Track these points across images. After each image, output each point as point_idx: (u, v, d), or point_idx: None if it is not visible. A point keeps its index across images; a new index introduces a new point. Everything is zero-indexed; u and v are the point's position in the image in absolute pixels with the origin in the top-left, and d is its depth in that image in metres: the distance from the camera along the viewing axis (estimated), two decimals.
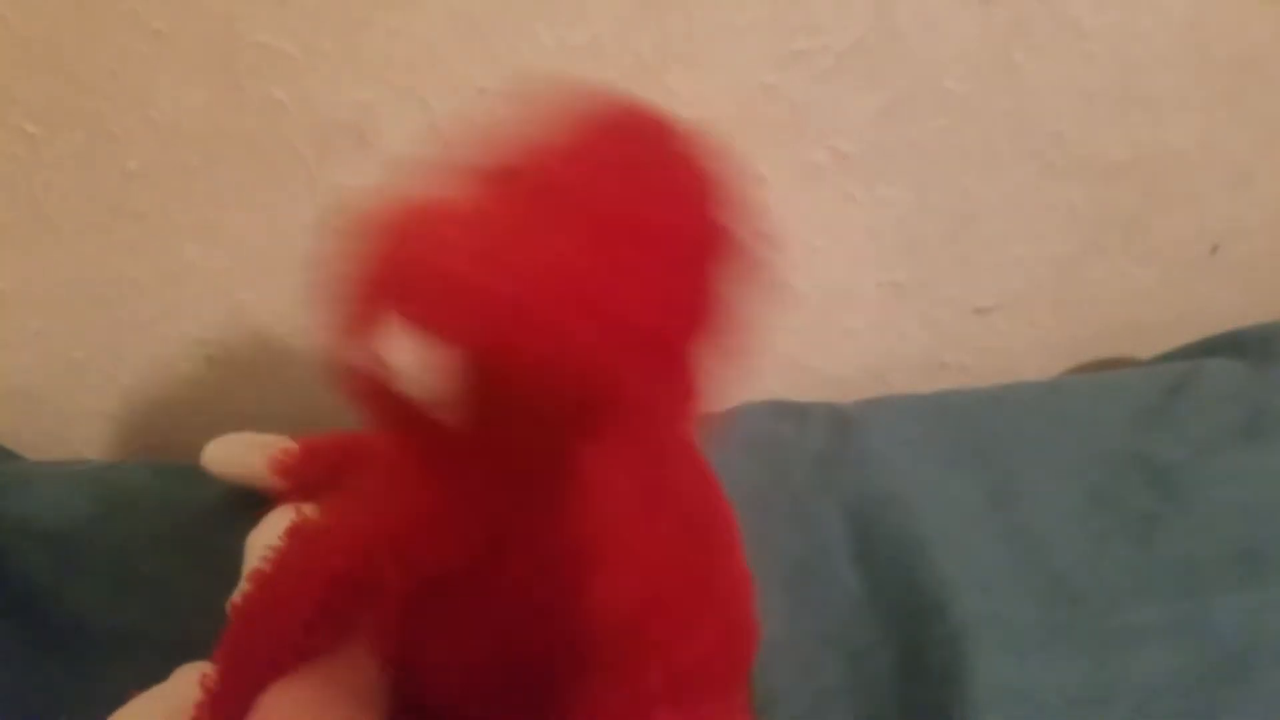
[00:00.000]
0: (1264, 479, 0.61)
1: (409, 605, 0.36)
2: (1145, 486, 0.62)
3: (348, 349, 0.32)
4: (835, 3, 0.58)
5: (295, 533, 0.41)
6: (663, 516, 0.34)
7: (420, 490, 0.35)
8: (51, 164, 0.58)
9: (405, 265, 0.30)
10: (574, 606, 0.31)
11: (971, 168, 0.68)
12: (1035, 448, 0.64)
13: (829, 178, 0.66)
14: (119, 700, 0.46)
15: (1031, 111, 0.66)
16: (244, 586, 0.50)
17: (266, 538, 0.51)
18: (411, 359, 0.30)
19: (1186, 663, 0.54)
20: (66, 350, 0.66)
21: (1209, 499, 0.60)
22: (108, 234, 0.61)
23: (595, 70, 0.58)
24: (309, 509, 0.52)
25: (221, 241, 0.62)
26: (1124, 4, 0.62)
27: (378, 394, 0.32)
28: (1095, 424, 0.65)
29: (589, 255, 0.30)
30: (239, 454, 0.56)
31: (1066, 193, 0.71)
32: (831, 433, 0.64)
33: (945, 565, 0.56)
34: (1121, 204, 0.72)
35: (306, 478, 0.54)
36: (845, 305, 0.74)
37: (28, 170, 0.58)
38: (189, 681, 0.43)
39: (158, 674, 0.47)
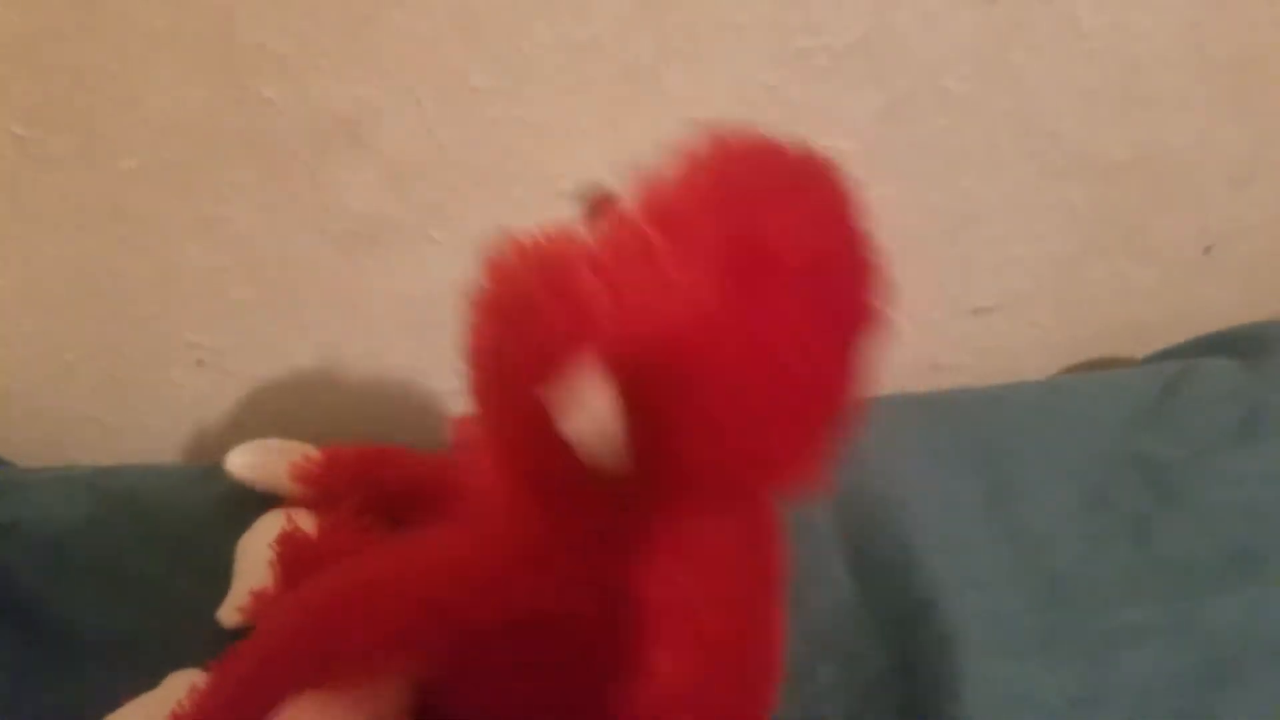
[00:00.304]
0: (1260, 479, 0.61)
1: (475, 642, 0.35)
2: (1142, 486, 0.62)
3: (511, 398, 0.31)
4: (835, 2, 0.58)
5: (385, 549, 0.40)
6: (737, 584, 0.34)
7: (530, 530, 0.35)
8: (46, 163, 0.57)
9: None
10: (628, 670, 0.31)
11: (971, 168, 0.67)
12: (1033, 448, 0.64)
13: None
14: (111, 705, 0.46)
15: (1031, 111, 0.65)
16: (241, 597, 0.50)
17: (257, 543, 0.51)
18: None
19: (1182, 663, 0.54)
20: (59, 352, 0.65)
21: (1205, 499, 0.61)
22: (103, 233, 0.61)
23: (595, 68, 0.58)
24: (299, 515, 0.52)
25: (218, 241, 0.62)
26: (1124, 4, 0.62)
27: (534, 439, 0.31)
28: (1093, 423, 0.65)
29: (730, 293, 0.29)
30: (262, 459, 0.56)
31: (1066, 193, 0.70)
32: None
33: (941, 566, 0.56)
34: (1121, 204, 0.72)
35: (328, 485, 0.55)
36: None
37: (22, 169, 0.58)
38: (181, 688, 0.43)
39: (150, 679, 0.47)
